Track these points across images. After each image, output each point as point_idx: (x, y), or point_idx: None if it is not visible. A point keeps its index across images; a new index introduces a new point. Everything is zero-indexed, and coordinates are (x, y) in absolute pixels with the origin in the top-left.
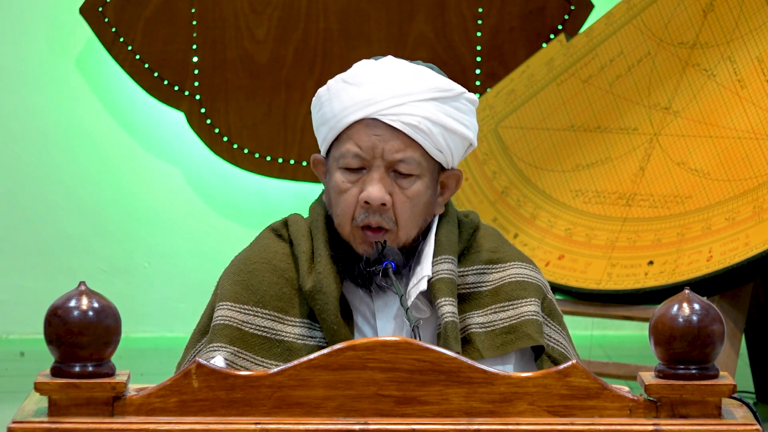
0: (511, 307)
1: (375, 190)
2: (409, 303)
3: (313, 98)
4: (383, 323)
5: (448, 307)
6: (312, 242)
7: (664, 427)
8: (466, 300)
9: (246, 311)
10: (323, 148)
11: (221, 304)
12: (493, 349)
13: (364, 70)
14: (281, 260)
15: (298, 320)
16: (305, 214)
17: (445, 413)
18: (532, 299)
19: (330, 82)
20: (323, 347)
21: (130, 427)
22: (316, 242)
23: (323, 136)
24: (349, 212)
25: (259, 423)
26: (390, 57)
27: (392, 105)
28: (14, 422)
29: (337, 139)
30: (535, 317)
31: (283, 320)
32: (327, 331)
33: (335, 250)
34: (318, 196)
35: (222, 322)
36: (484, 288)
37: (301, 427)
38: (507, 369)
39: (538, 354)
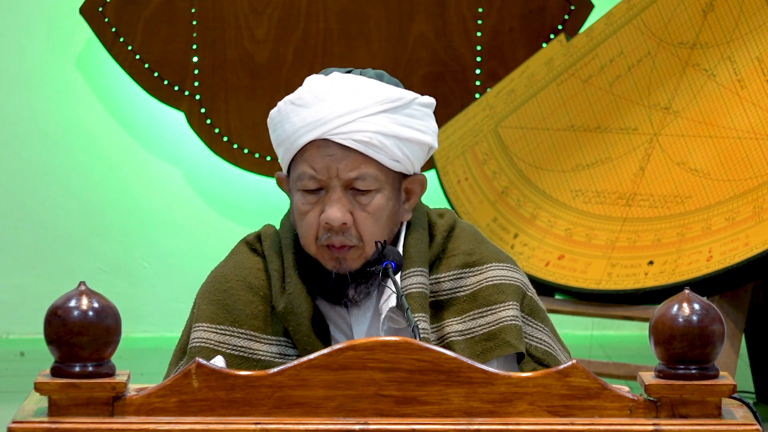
0: (489, 312)
1: (334, 211)
2: (382, 318)
3: (267, 119)
4: (359, 334)
5: (420, 324)
6: (282, 259)
7: (664, 427)
8: (444, 307)
9: (222, 331)
10: (284, 167)
11: (197, 325)
12: (473, 357)
13: (310, 89)
14: (256, 277)
15: (274, 338)
16: (272, 224)
17: (445, 413)
18: (511, 303)
19: (280, 104)
20: None
21: (130, 427)
22: (285, 261)
23: (281, 157)
24: (312, 233)
25: (259, 423)
26: (335, 73)
27: (341, 123)
28: (14, 422)
29: (294, 160)
30: (513, 322)
31: (259, 339)
32: (301, 350)
33: (305, 267)
34: (288, 210)
35: (198, 344)
36: (462, 293)
37: (301, 427)
38: None
39: (521, 358)
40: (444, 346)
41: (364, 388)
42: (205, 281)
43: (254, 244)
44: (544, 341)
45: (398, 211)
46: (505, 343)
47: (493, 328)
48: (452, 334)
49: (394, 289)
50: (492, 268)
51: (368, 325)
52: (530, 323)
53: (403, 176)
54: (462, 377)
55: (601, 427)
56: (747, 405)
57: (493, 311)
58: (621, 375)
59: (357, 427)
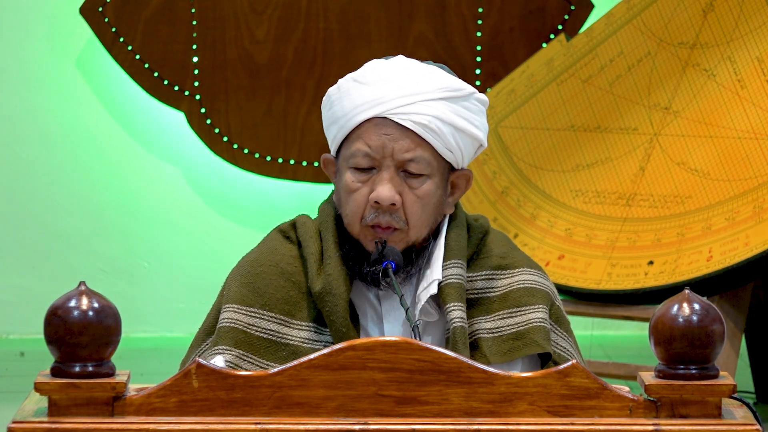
0: (519, 313)
1: (385, 190)
2: (419, 306)
3: (324, 97)
4: (390, 326)
5: (456, 312)
6: (321, 243)
7: (664, 427)
8: (474, 305)
9: (252, 314)
10: (333, 148)
11: (227, 306)
12: (500, 354)
13: (374, 69)
14: (288, 263)
15: (304, 324)
16: (305, 213)
17: (445, 413)
18: (540, 306)
19: (341, 81)
20: None
21: (130, 427)
22: (325, 243)
23: (333, 135)
24: (358, 212)
25: (259, 423)
26: (401, 56)
27: (402, 104)
28: (14, 422)
29: (347, 139)
30: (542, 324)
31: (289, 323)
32: (335, 333)
33: (345, 250)
34: (328, 196)
35: (228, 324)
36: (493, 294)
37: (301, 427)
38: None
39: (545, 361)
40: (472, 343)
41: (364, 388)
42: (236, 266)
43: (288, 231)
44: (568, 350)
45: (443, 202)
46: (532, 343)
47: (522, 328)
48: (481, 331)
49: (394, 290)
50: (523, 272)
51: (400, 316)
52: (556, 331)
53: (451, 169)
54: (462, 377)
55: (601, 427)
56: (747, 405)
57: (522, 312)
58: (621, 375)
59: (357, 427)
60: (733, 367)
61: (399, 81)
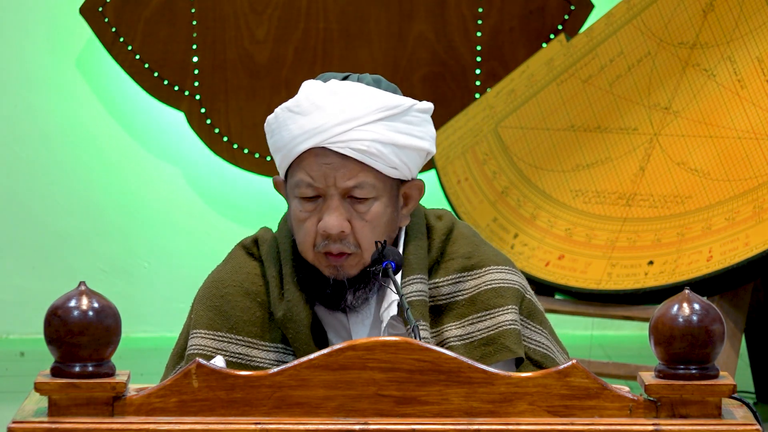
0: (488, 316)
1: (332, 219)
2: (383, 326)
3: (265, 124)
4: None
5: (421, 333)
6: (280, 265)
7: (664, 427)
8: (442, 311)
9: (220, 338)
10: (281, 173)
11: (195, 332)
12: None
13: (307, 97)
14: (253, 282)
15: (272, 345)
16: (268, 227)
17: (445, 413)
18: (510, 306)
19: (277, 110)
20: None
21: (130, 427)
22: (284, 268)
23: (278, 163)
24: (309, 240)
25: (259, 423)
26: (332, 80)
27: (339, 132)
28: (14, 422)
29: (291, 167)
30: (512, 326)
31: (257, 345)
32: (301, 357)
33: (303, 273)
34: (285, 213)
35: (196, 351)
36: (460, 297)
37: (301, 427)
38: None
39: (520, 362)
40: None
41: (364, 388)
42: (202, 286)
43: (251, 248)
44: (543, 344)
45: (396, 217)
46: (504, 348)
47: (492, 332)
48: (451, 339)
49: (394, 290)
50: (491, 271)
51: (368, 332)
52: (528, 326)
53: (401, 182)
54: (462, 377)
55: (601, 427)
56: (747, 405)
57: (491, 315)
58: (621, 375)
59: (357, 427)
60: (733, 367)
61: (333, 108)
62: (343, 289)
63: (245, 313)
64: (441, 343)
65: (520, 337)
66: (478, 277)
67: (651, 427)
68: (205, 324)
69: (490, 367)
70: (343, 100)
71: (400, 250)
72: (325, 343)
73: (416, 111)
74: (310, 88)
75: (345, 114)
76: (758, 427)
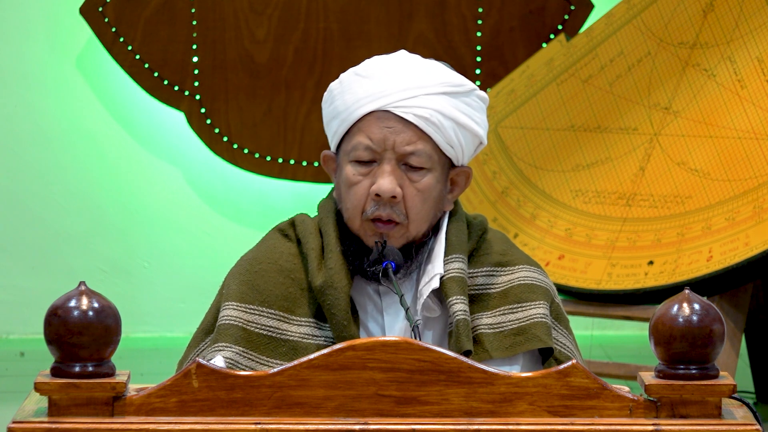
0: (520, 309)
1: (386, 182)
2: (421, 301)
3: (325, 93)
4: (391, 321)
5: (459, 305)
6: (321, 239)
7: (664, 427)
8: (475, 301)
9: (251, 311)
10: (333, 143)
11: (227, 303)
12: (501, 349)
13: (376, 63)
14: (287, 260)
15: (303, 320)
16: (305, 213)
17: (445, 413)
18: (541, 302)
19: (342, 75)
20: (327, 346)
21: (130, 427)
22: (326, 238)
23: (334, 130)
24: (359, 205)
25: (259, 423)
26: (403, 51)
27: (404, 97)
28: (14, 422)
29: (348, 132)
30: (543, 320)
31: (288, 320)
32: (335, 326)
33: (346, 246)
34: (327, 194)
35: (227, 321)
36: (493, 290)
37: (301, 427)
38: (514, 369)
39: (546, 357)
40: (473, 338)
41: (364, 388)
42: (235, 265)
43: (287, 230)
44: (569, 347)
45: (443, 198)
46: (534, 338)
47: (523, 323)
48: (482, 326)
49: (394, 290)
50: (523, 269)
51: (401, 311)
52: (556, 328)
53: (452, 166)
54: (462, 377)
55: (601, 427)
56: (747, 405)
57: (523, 308)
58: (621, 375)
59: (357, 427)
60: (733, 367)
61: (401, 75)
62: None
63: (278, 288)
64: (472, 330)
65: (551, 330)
66: (511, 273)
67: (651, 427)
68: (237, 297)
69: (518, 356)
70: (410, 69)
71: (443, 233)
72: (357, 319)
73: (477, 96)
74: (377, 57)
75: (411, 81)
76: (758, 427)
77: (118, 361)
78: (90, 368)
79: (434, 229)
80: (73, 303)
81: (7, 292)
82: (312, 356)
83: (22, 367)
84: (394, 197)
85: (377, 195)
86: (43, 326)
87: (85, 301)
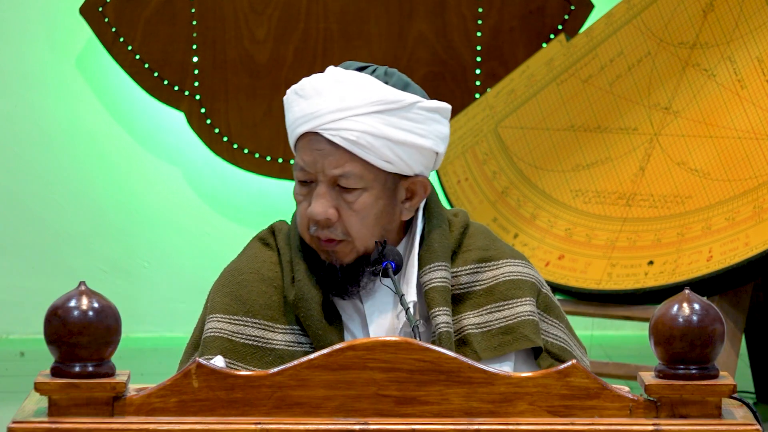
0: (506, 306)
1: (316, 206)
2: (402, 316)
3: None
4: (375, 324)
5: (442, 317)
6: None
7: (664, 427)
8: (460, 300)
9: (236, 322)
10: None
11: (211, 316)
12: (490, 350)
13: (312, 82)
14: (269, 269)
15: (288, 327)
16: (283, 219)
17: (445, 413)
18: (527, 298)
19: (288, 91)
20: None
21: (130, 427)
22: (293, 251)
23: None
24: (304, 223)
25: (259, 423)
26: (337, 69)
27: (332, 119)
28: (14, 422)
29: (294, 148)
30: (531, 317)
31: (273, 328)
32: (313, 336)
33: (312, 258)
34: None
35: (212, 334)
36: (478, 287)
37: (301, 427)
38: (505, 369)
39: (538, 353)
40: (460, 339)
41: (364, 388)
42: (219, 276)
43: (267, 238)
44: (560, 337)
45: (393, 210)
46: (523, 337)
47: (510, 322)
48: (469, 327)
49: (394, 290)
50: (508, 263)
51: (384, 314)
52: (545, 319)
53: (403, 176)
54: (462, 377)
55: (601, 427)
56: (747, 405)
57: (509, 306)
58: (621, 375)
59: (357, 427)
60: (733, 367)
61: (331, 95)
62: (336, 274)
63: (261, 297)
64: (458, 331)
65: (539, 327)
66: (496, 269)
67: (651, 427)
68: (221, 309)
69: (509, 355)
70: (342, 89)
71: (417, 244)
72: (339, 325)
73: (420, 108)
74: (319, 74)
75: (341, 102)
76: (758, 427)
77: (118, 361)
78: (90, 368)
79: (407, 236)
80: (73, 303)
81: (7, 292)
82: (312, 356)
83: (22, 367)
84: (328, 219)
85: (311, 217)
86: (43, 326)
87: (85, 301)
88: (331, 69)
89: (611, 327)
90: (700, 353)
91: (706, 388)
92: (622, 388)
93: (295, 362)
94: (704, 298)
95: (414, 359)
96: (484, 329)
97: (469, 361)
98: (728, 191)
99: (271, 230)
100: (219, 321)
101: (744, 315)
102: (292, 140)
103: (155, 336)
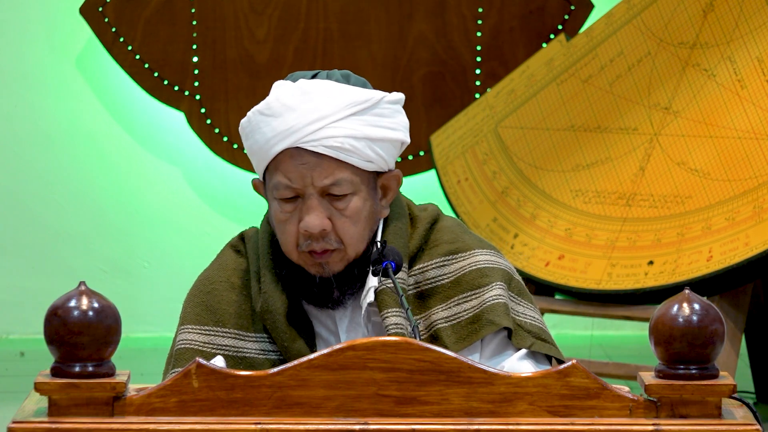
0: (473, 296)
1: (311, 219)
2: (361, 314)
3: (239, 128)
4: (347, 333)
5: (392, 319)
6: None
7: (664, 427)
8: (430, 295)
9: (207, 332)
10: (260, 175)
11: (183, 327)
12: (459, 342)
13: (278, 98)
14: (239, 277)
15: (258, 335)
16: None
17: (445, 413)
18: (496, 283)
19: (249, 114)
20: (285, 361)
21: (130, 427)
22: (261, 262)
23: (255, 166)
24: (292, 241)
25: (259, 423)
26: (301, 80)
27: (312, 131)
28: (14, 422)
29: (268, 169)
30: (498, 300)
31: (244, 337)
32: (280, 347)
33: (281, 268)
34: (264, 215)
35: (184, 346)
36: (446, 280)
37: (301, 427)
38: (474, 358)
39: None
40: (432, 335)
41: (364, 388)
42: (192, 287)
43: (238, 245)
44: (537, 318)
45: (375, 209)
46: (488, 323)
47: (477, 311)
48: (439, 321)
49: (394, 290)
50: (476, 254)
51: (355, 321)
52: (520, 303)
53: (378, 174)
54: (462, 377)
55: (601, 427)
56: (747, 405)
57: (477, 295)
58: (621, 375)
59: (357, 427)
60: (733, 367)
61: (304, 108)
62: (330, 286)
63: (231, 306)
64: (429, 327)
65: (508, 309)
66: (463, 260)
67: (651, 427)
68: (192, 320)
69: (479, 342)
70: (313, 99)
71: (378, 239)
72: (310, 332)
73: (386, 103)
74: (280, 89)
75: (316, 112)
76: (758, 427)
77: (118, 361)
78: (90, 368)
79: (373, 236)
80: (73, 303)
81: (7, 292)
82: (312, 356)
83: (22, 367)
84: (324, 230)
85: (306, 231)
86: (43, 326)
87: (85, 301)
88: (287, 84)
89: (611, 327)
90: (700, 353)
91: (706, 388)
92: (622, 388)
93: (295, 362)
94: (704, 298)
95: (414, 359)
96: (453, 322)
97: (470, 361)
98: (728, 191)
99: (242, 237)
100: (189, 332)
101: (744, 315)
102: (264, 161)
103: (155, 336)
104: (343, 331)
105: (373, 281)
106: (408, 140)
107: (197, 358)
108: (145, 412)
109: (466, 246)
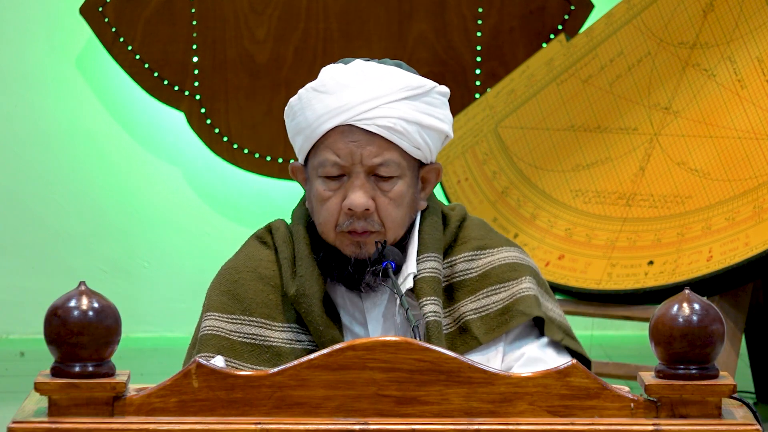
0: (503, 289)
1: (358, 197)
2: (399, 300)
3: (286, 107)
4: (374, 323)
5: (430, 306)
6: (293, 248)
7: (664, 427)
8: (458, 288)
9: (233, 320)
10: (301, 157)
11: (208, 314)
12: (489, 332)
13: (332, 76)
14: (266, 267)
15: (285, 325)
16: (282, 218)
17: (445, 413)
18: (525, 277)
19: (301, 91)
20: (311, 350)
21: (130, 427)
22: (297, 247)
23: (299, 146)
24: (332, 219)
25: (259, 423)
26: (358, 60)
27: (366, 109)
28: (14, 422)
29: (314, 148)
30: (528, 293)
31: (270, 326)
32: (314, 332)
33: (318, 254)
34: (299, 201)
35: (209, 332)
36: (474, 273)
37: (301, 427)
38: (498, 349)
39: (541, 325)
40: (461, 327)
41: (364, 388)
42: (216, 275)
43: (264, 237)
44: (564, 317)
45: (416, 199)
46: (519, 314)
47: (507, 302)
48: (468, 313)
49: (394, 290)
50: (503, 250)
51: (382, 312)
52: (549, 300)
53: (420, 165)
54: (462, 377)
55: (601, 427)
56: (747, 405)
57: (506, 288)
58: (621, 375)
59: (357, 427)
60: (733, 367)
61: (359, 86)
62: (364, 268)
63: (258, 296)
64: (458, 319)
65: (539, 301)
66: (491, 255)
67: (651, 427)
68: (218, 308)
69: (510, 333)
70: (368, 79)
71: (416, 233)
72: (338, 321)
73: (437, 93)
74: (334, 69)
75: (371, 92)
76: (758, 427)
77: (118, 361)
78: (90, 368)
79: (409, 228)
80: (73, 303)
81: (7, 292)
82: (312, 356)
83: (22, 367)
84: (367, 210)
85: (350, 209)
86: (43, 326)
87: (85, 301)
88: (341, 65)
89: (611, 327)
90: (700, 353)
91: (706, 388)
92: (622, 388)
93: (295, 362)
94: (704, 298)
95: (414, 359)
96: (482, 313)
97: (470, 361)
98: (728, 191)
99: (269, 229)
100: (216, 319)
101: (744, 315)
102: (312, 140)
103: (155, 336)
104: (372, 320)
105: (411, 267)
106: (452, 135)
107: (196, 358)
108: (145, 412)
109: (494, 243)
